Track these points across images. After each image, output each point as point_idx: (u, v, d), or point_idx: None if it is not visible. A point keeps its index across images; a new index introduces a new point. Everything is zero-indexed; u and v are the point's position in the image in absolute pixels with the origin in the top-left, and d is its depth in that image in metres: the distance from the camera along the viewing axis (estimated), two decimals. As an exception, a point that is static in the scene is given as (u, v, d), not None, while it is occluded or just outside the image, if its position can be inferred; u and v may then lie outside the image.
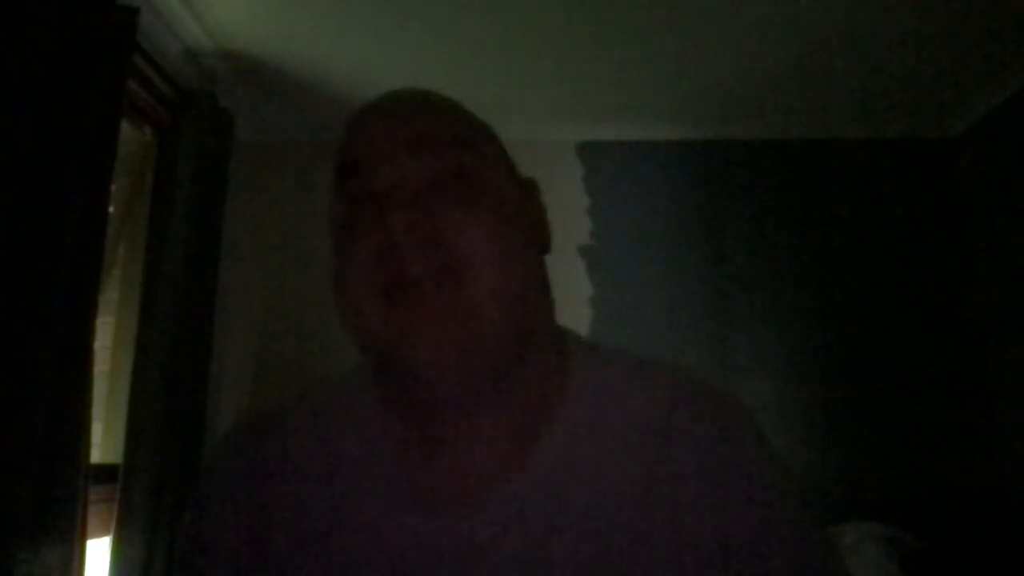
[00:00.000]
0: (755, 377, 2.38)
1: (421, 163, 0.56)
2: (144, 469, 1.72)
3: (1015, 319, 2.22)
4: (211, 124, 2.03)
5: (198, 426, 1.95)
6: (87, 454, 1.43)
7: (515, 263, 0.57)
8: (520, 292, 0.57)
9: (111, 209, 1.66)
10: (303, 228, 2.53)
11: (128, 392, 1.77)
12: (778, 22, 1.98)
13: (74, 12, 1.39)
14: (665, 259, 2.48)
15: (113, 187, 1.57)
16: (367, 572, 0.56)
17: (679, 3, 1.91)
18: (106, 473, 1.73)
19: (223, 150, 2.11)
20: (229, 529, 0.60)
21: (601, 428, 0.59)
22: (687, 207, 2.52)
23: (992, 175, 2.36)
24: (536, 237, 0.63)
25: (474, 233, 0.55)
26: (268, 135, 2.57)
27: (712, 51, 2.12)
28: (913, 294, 2.43)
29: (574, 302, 2.38)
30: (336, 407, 0.65)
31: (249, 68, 2.21)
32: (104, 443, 1.90)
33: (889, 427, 2.32)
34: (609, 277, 2.46)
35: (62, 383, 1.34)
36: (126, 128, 1.89)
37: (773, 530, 0.56)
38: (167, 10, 1.89)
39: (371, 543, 0.57)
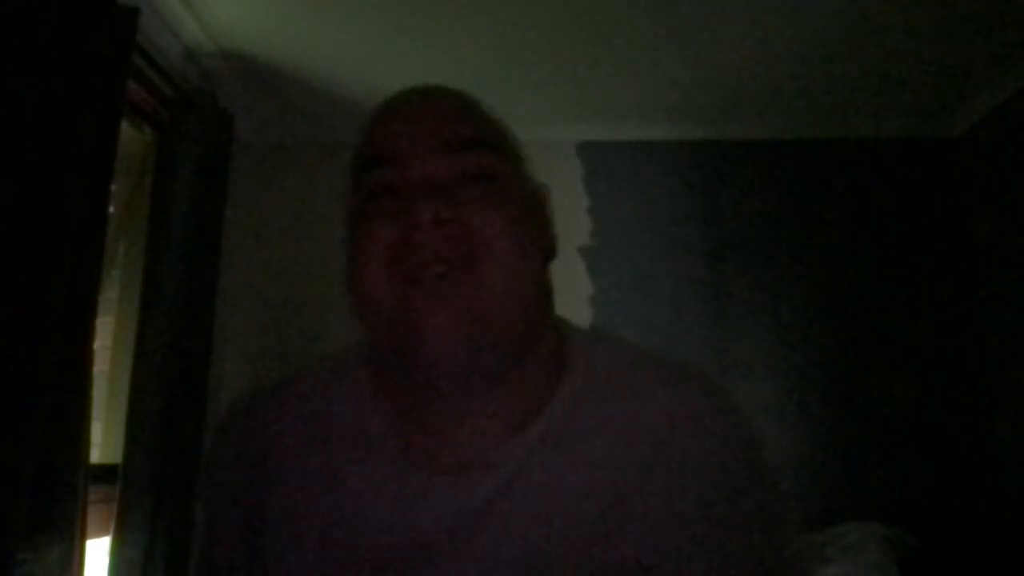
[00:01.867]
0: (755, 377, 2.37)
1: (447, 161, 0.58)
2: (144, 469, 1.72)
3: (1016, 319, 2.22)
4: (211, 124, 2.03)
5: (198, 426, 1.95)
6: (87, 454, 1.43)
7: (527, 265, 0.59)
8: (529, 294, 0.59)
9: (111, 209, 1.66)
10: (303, 228, 2.53)
11: (128, 392, 1.77)
12: (778, 22, 1.98)
13: (74, 12, 1.39)
14: (665, 259, 2.48)
15: (113, 187, 1.57)
16: (365, 531, 0.58)
17: (679, 3, 1.91)
18: (106, 473, 1.73)
19: (223, 150, 2.11)
20: (231, 501, 0.65)
21: (594, 405, 0.61)
22: (687, 207, 2.52)
23: (994, 175, 2.35)
24: (544, 242, 0.65)
25: (493, 232, 0.57)
26: (268, 135, 2.57)
27: (712, 51, 2.12)
28: (914, 294, 2.43)
29: (574, 302, 2.38)
30: (331, 380, 0.67)
31: (249, 68, 2.21)
32: (104, 443, 1.90)
33: (889, 427, 2.32)
34: (609, 277, 2.46)
35: (62, 383, 1.34)
36: (126, 128, 1.88)
37: (748, 518, 0.59)
38: (167, 10, 1.89)
39: (368, 502, 0.59)
